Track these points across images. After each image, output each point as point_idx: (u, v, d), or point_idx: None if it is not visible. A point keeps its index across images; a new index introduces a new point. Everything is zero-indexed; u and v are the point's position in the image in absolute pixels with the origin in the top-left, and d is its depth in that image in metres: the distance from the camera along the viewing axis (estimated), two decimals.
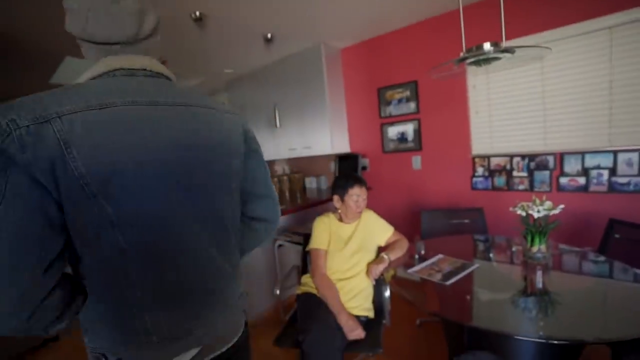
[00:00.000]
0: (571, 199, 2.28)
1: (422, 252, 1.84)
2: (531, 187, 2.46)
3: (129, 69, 0.63)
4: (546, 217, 1.51)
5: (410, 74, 2.90)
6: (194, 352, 0.68)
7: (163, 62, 0.73)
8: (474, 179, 2.71)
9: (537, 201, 1.55)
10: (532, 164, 2.45)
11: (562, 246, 1.78)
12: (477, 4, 2.46)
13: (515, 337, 1.14)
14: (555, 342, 1.03)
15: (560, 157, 2.31)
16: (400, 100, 3.03)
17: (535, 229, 1.53)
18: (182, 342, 0.67)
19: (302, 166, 4.01)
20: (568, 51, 2.21)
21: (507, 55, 1.45)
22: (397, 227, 3.11)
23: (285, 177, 3.93)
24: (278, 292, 1.73)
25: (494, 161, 2.61)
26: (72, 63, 3.41)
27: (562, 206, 1.52)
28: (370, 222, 1.81)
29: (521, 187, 2.50)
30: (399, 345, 2.14)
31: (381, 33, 3.07)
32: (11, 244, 0.50)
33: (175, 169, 0.62)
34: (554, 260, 1.62)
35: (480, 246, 2.01)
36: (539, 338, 1.05)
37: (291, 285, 1.86)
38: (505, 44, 1.43)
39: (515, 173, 2.53)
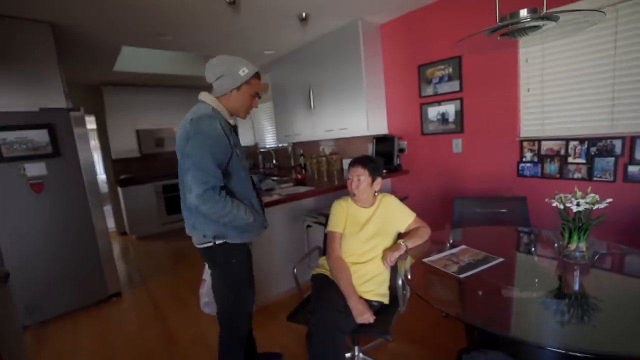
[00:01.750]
0: None
1: (451, 241, 1.73)
2: (590, 175, 2.15)
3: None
4: (588, 211, 1.31)
5: (456, 49, 2.65)
6: None
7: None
8: (521, 165, 2.45)
9: (578, 193, 1.35)
10: (593, 149, 2.13)
11: (625, 247, 1.54)
12: None
13: (531, 343, 1.03)
14: (583, 354, 0.90)
15: (631, 141, 1.97)
16: (441, 79, 2.80)
17: (573, 224, 1.34)
18: None
19: (341, 147, 3.97)
20: None
21: (549, 23, 1.24)
22: (432, 214, 3.00)
23: (323, 158, 3.93)
24: (295, 270, 1.77)
25: (546, 145, 2.32)
26: (129, 52, 3.71)
27: (609, 200, 1.31)
28: (390, 207, 1.74)
29: (577, 175, 2.20)
30: (418, 334, 2.09)
31: (422, 5, 2.83)
32: None
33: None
34: (612, 262, 1.41)
35: (517, 239, 1.83)
36: (565, 349, 0.91)
37: (315, 266, 1.90)
38: (547, 10, 1.23)
39: (570, 159, 2.23)
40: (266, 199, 2.48)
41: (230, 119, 1.44)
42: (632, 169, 1.98)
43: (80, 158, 2.72)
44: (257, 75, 1.45)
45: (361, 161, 1.70)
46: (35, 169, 2.55)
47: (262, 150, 5.53)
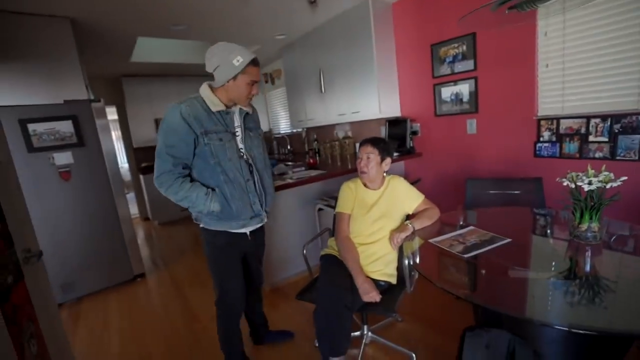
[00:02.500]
0: None
1: (461, 222, 1.73)
2: (612, 154, 2.06)
3: None
4: (601, 190, 1.28)
5: (467, 26, 2.55)
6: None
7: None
8: (538, 145, 2.37)
9: (591, 171, 1.30)
10: (617, 127, 2.03)
11: (621, 225, 1.49)
12: None
13: (532, 320, 1.03)
14: (591, 332, 0.88)
15: None
16: (455, 57, 2.72)
17: (585, 203, 1.31)
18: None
19: (355, 131, 3.95)
20: None
21: None
22: (446, 197, 2.96)
23: (336, 143, 3.93)
24: (305, 251, 1.82)
25: (565, 124, 2.23)
26: (145, 43, 3.78)
27: (623, 178, 1.26)
28: (398, 189, 1.75)
29: (598, 154, 2.11)
30: (428, 314, 2.11)
31: None
32: None
33: None
34: (634, 245, 1.37)
35: (530, 220, 1.80)
36: (569, 327, 0.90)
37: (325, 247, 1.96)
38: None
39: (592, 138, 2.13)
40: (278, 182, 2.53)
41: (218, 106, 1.44)
42: None
43: (103, 147, 2.86)
44: (253, 62, 1.41)
45: (371, 140, 1.71)
46: (63, 158, 2.70)
47: (276, 136, 5.58)
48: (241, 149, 1.51)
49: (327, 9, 3.13)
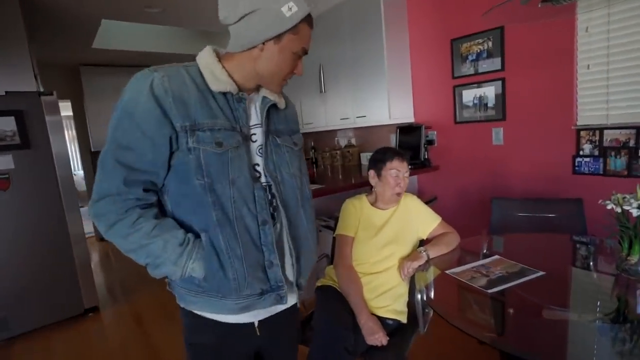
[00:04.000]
0: None
1: (485, 250, 1.74)
2: None
3: None
4: None
5: (495, 18, 2.63)
6: None
7: None
8: (578, 160, 2.41)
9: None
10: None
11: None
12: None
13: None
14: None
15: None
16: (479, 55, 2.79)
17: (634, 231, 1.33)
18: None
19: (360, 138, 4.00)
20: None
21: None
22: (466, 219, 2.99)
23: (337, 152, 3.97)
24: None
25: (610, 135, 2.28)
26: (110, 26, 3.85)
27: None
28: (411, 210, 1.76)
29: None
30: (444, 359, 2.10)
31: None
32: None
33: None
34: None
35: (568, 250, 1.82)
36: None
37: (322, 276, 1.95)
38: None
39: None
40: None
41: (225, 84, 0.94)
42: None
43: (53, 150, 2.86)
44: (309, 20, 0.97)
45: (399, 155, 1.74)
46: (1, 163, 2.68)
47: None
48: (257, 165, 1.01)
49: None
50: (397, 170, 1.69)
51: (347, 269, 1.69)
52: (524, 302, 1.29)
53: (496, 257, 1.60)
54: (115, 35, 4.23)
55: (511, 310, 1.27)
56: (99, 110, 5.17)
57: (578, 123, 2.40)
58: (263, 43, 0.92)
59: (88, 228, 5.48)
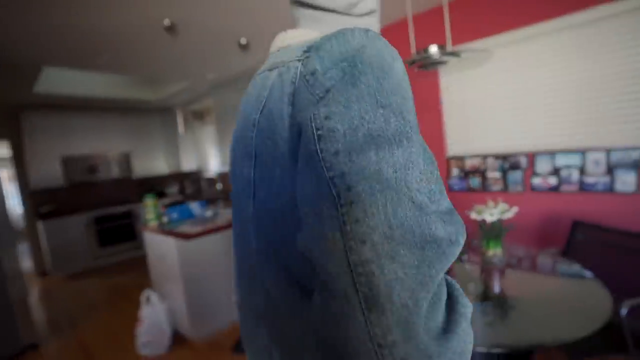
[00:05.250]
0: (544, 199, 2.25)
1: None
2: (505, 187, 2.43)
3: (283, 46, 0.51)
4: (502, 220, 1.49)
5: None
6: None
7: None
8: (449, 181, 2.69)
9: (491, 204, 1.52)
10: (506, 164, 2.42)
11: (519, 248, 1.76)
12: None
13: None
14: (503, 351, 1.01)
15: (532, 156, 2.28)
16: None
17: (490, 232, 1.51)
18: None
19: None
20: (542, 48, 2.17)
21: (454, 58, 1.43)
22: None
23: None
24: (237, 298, 1.72)
25: (469, 162, 2.59)
26: (52, 73, 3.44)
27: (515, 209, 1.50)
28: None
29: (496, 187, 2.48)
30: None
31: None
32: None
33: None
34: (527, 264, 1.59)
35: None
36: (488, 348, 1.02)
37: None
38: (451, 47, 1.42)
39: (489, 174, 2.50)
40: (210, 225, 2.40)
41: None
42: (535, 180, 2.29)
43: None
44: None
45: None
46: None
47: (206, 176, 5.37)
48: None
49: (258, 53, 3.26)
50: None
51: None
52: None
53: None
54: (59, 79, 3.78)
55: None
56: (39, 150, 4.51)
57: (448, 154, 2.69)
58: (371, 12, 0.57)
59: (26, 264, 4.67)
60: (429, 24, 2.52)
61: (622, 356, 1.27)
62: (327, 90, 0.33)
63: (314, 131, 0.33)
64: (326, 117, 0.32)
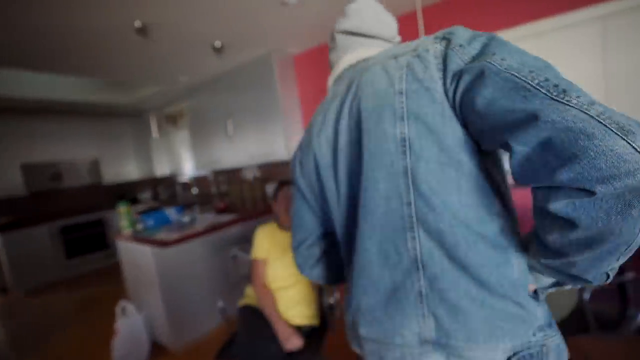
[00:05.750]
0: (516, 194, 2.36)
1: None
2: None
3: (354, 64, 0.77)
4: None
5: None
6: None
7: None
8: None
9: None
10: None
11: None
12: (435, 4, 2.51)
13: None
14: None
15: None
16: None
17: None
18: None
19: (265, 173, 3.98)
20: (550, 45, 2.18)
21: None
22: None
23: (246, 185, 3.88)
24: (221, 304, 1.69)
25: None
26: (10, 75, 3.24)
27: None
28: None
29: None
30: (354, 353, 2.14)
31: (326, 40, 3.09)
32: None
33: None
34: None
35: None
36: None
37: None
38: None
39: None
40: (187, 231, 2.34)
41: None
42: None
43: None
44: None
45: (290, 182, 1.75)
46: None
47: (180, 181, 5.22)
48: None
49: (232, 57, 3.21)
50: (286, 192, 1.73)
51: (261, 288, 1.64)
52: None
53: None
54: (15, 82, 3.54)
55: None
56: None
57: None
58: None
59: None
60: (438, 17, 2.46)
61: (587, 336, 1.37)
62: (482, 50, 0.53)
63: (500, 67, 0.48)
64: (502, 59, 0.48)
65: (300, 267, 0.90)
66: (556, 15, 2.11)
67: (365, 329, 0.68)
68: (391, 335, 0.64)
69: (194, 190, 4.92)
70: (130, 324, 2.22)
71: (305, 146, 0.80)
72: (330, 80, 0.81)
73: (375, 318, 0.66)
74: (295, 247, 0.89)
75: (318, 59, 3.24)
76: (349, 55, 0.75)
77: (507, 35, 2.26)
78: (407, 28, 2.51)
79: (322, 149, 0.74)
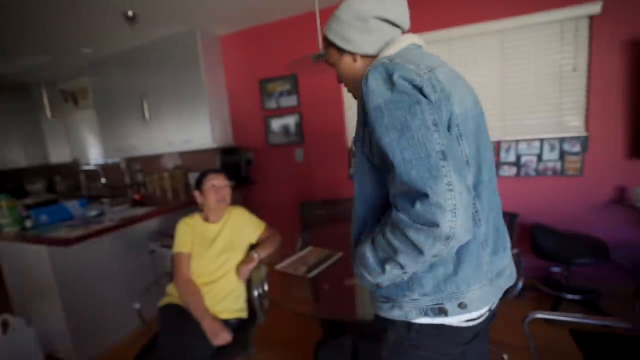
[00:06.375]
0: None
1: (300, 244, 1.85)
2: None
3: (418, 44, 0.80)
4: None
5: (291, 67, 2.88)
6: None
7: None
8: (351, 170, 2.87)
9: None
10: None
11: None
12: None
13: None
14: None
15: None
16: (282, 93, 3.00)
17: None
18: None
19: (187, 161, 3.68)
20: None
21: None
22: (284, 221, 3.15)
23: (165, 174, 3.55)
24: (138, 305, 1.52)
25: None
26: None
27: None
28: (239, 220, 1.73)
29: None
30: (282, 338, 2.15)
31: (261, 22, 2.97)
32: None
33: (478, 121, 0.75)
34: None
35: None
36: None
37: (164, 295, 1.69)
38: None
39: None
40: (95, 226, 2.04)
41: None
42: None
43: None
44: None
45: (214, 171, 1.68)
46: None
47: (85, 168, 4.52)
48: None
49: (150, 30, 2.86)
50: (213, 182, 1.63)
51: (185, 283, 1.52)
52: (332, 277, 1.44)
53: (310, 248, 1.73)
54: None
55: (326, 287, 1.40)
56: None
57: (350, 144, 2.86)
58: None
59: None
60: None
61: None
62: None
63: None
64: None
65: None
66: (463, 25, 2.36)
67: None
68: None
69: (102, 180, 4.32)
70: (14, 342, 1.86)
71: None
72: (396, 47, 0.77)
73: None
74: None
75: (246, 43, 3.08)
76: (408, 36, 0.80)
77: (426, 37, 2.45)
78: (306, 26, 2.57)
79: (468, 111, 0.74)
